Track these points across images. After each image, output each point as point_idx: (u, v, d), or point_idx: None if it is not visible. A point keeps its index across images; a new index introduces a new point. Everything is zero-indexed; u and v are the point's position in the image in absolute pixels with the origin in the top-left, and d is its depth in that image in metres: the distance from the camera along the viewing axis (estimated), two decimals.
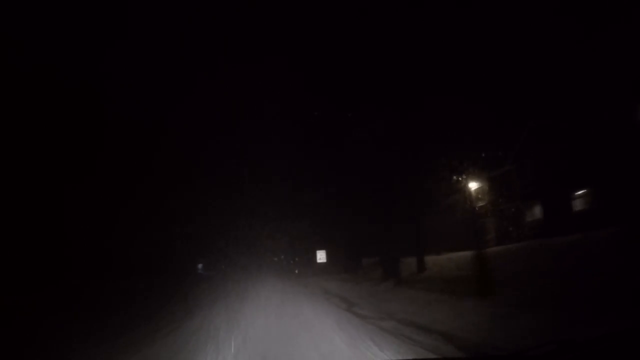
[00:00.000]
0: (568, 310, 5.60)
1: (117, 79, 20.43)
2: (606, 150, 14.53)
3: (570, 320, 5.03)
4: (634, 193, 12.55)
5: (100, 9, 18.60)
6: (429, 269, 16.30)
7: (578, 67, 16.81)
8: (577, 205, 17.33)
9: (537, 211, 19.14)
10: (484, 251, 18.66)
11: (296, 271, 31.91)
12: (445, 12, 18.75)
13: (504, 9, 16.96)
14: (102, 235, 20.65)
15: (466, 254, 18.45)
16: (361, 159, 24.17)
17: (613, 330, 1.73)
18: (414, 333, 5.79)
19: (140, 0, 21.21)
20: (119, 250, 22.05)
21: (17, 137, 15.79)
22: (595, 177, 15.72)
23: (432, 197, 21.26)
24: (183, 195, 32.26)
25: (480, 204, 21.71)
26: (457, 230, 23.45)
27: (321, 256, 24.15)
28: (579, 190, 17.21)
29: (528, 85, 19.36)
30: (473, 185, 22.06)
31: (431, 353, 4.63)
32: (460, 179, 21.80)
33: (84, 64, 18.97)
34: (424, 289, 10.54)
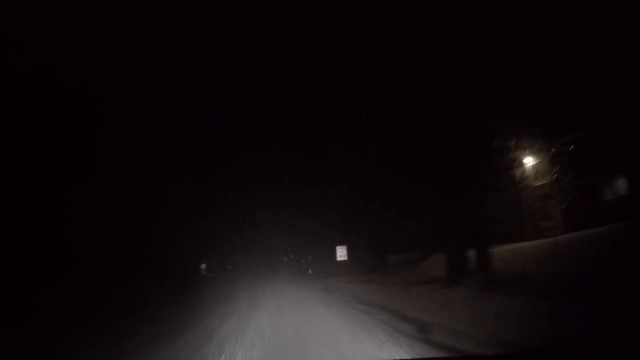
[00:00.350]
0: None
1: (118, 78, 19.54)
2: None
3: None
4: None
5: (101, 9, 17.67)
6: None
7: None
8: None
9: (620, 186, 14.64)
10: (556, 240, 14.18)
11: (310, 271, 27.60)
12: None
13: None
14: (96, 235, 18.71)
15: (534, 244, 14.01)
16: (385, 140, 20.17)
17: (631, 326, 1.61)
18: None
19: (141, 1, 20.24)
20: (114, 250, 19.71)
21: (18, 137, 15.16)
22: None
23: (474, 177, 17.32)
24: (186, 194, 29.93)
25: (540, 182, 17.18)
26: (507, 218, 19.10)
27: (341, 253, 19.77)
28: None
29: (599, 25, 14.78)
30: (529, 160, 17.60)
31: (447, 351, 4.14)
32: (512, 152, 17.26)
33: (84, 64, 18.24)
34: (549, 296, 6.10)
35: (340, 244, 21.12)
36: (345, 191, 23.98)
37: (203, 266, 35.44)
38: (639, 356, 1.61)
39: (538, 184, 17.45)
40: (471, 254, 11.97)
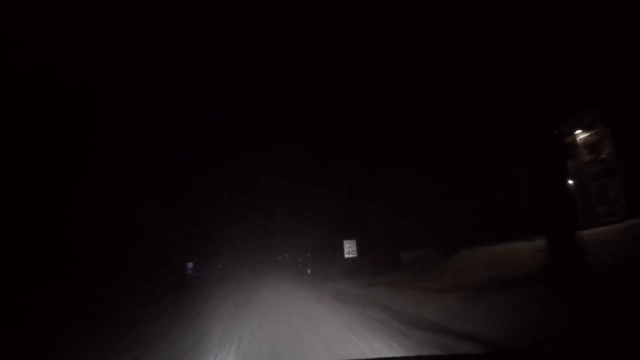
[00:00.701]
0: None
1: (118, 78, 19.41)
2: None
3: None
4: None
5: (100, 9, 17.13)
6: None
7: None
8: None
9: None
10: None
11: (308, 271, 23.82)
12: None
13: None
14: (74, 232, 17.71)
15: (612, 230, 10.49)
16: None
17: (623, 325, 1.50)
18: None
19: (141, 1, 19.69)
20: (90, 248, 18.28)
21: (17, 137, 14.92)
22: None
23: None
24: (172, 190, 29.42)
25: (595, 157, 13.64)
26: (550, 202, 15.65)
27: (350, 248, 15.82)
28: None
29: None
30: (580, 132, 14.10)
31: (437, 350, 3.88)
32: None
33: (84, 64, 18.01)
34: None
35: (346, 239, 17.30)
36: (350, 183, 20.62)
37: (189, 265, 32.41)
38: (628, 356, 1.51)
39: (592, 160, 13.99)
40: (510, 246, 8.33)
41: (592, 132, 13.51)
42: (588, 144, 13.85)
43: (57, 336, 6.22)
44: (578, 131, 13.82)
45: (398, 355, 3.75)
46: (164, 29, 19.67)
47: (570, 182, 14.66)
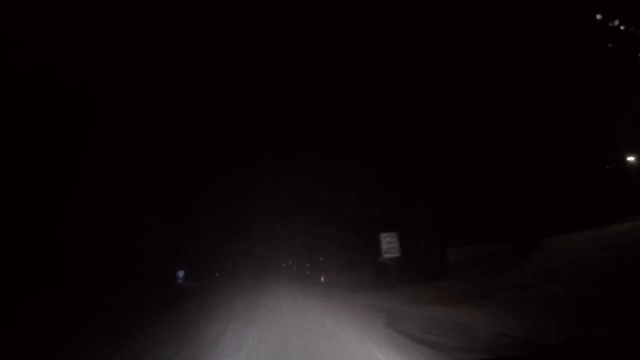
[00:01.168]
0: None
1: (117, 79, 19.49)
2: None
3: None
4: None
5: (100, 10, 17.30)
6: None
7: None
8: None
9: None
10: None
11: (322, 279, 19.50)
12: None
13: None
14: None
15: None
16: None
17: (623, 332, 1.52)
18: None
19: (140, 2, 19.59)
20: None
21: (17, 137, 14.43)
22: None
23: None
24: (165, 191, 27.19)
25: None
26: None
27: (390, 245, 10.79)
28: None
29: None
30: None
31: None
32: None
33: (84, 64, 18.28)
34: None
35: (375, 235, 12.85)
36: (377, 165, 16.61)
37: (180, 274, 29.08)
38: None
39: None
40: None
41: None
42: None
43: None
44: None
45: None
46: (163, 35, 19.58)
47: None
